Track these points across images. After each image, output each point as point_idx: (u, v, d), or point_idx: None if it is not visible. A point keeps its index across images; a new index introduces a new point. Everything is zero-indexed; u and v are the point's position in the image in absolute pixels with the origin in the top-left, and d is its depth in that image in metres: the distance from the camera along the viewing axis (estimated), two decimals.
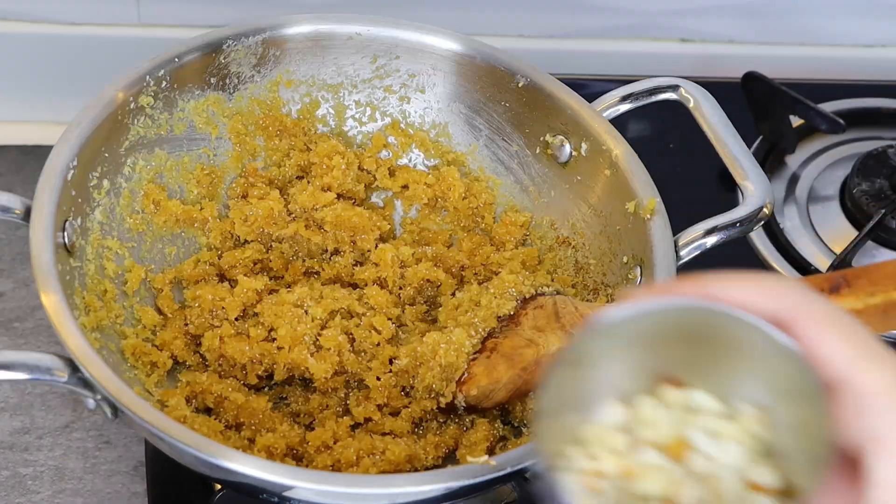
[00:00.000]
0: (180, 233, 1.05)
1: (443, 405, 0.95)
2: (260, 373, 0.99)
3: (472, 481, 0.83)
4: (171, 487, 1.01)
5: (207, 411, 0.97)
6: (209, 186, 1.07)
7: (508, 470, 0.83)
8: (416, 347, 0.97)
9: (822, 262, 1.18)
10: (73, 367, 0.86)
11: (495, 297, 0.96)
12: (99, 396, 0.87)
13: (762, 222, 0.99)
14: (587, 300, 1.02)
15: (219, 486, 0.98)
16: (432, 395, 0.95)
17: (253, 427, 0.95)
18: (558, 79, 1.06)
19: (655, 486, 0.62)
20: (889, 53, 1.34)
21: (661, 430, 0.63)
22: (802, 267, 1.18)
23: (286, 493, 0.84)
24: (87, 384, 0.86)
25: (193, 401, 0.96)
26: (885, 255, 1.17)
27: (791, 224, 1.21)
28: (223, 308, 1.00)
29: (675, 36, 1.32)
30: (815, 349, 0.61)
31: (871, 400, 0.60)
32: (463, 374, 0.94)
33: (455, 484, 0.83)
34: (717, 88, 1.06)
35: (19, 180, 1.19)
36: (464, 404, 0.95)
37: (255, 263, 1.04)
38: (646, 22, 1.30)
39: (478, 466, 0.83)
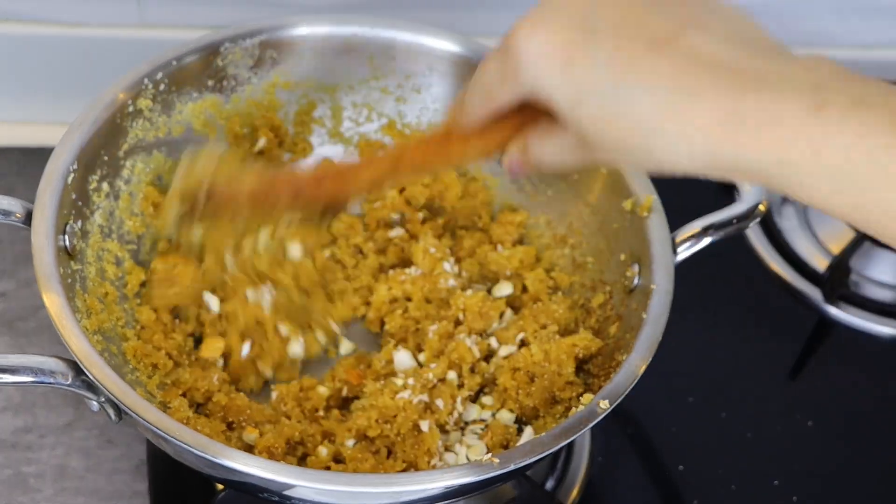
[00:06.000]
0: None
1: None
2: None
3: (473, 479, 0.83)
4: (173, 486, 1.02)
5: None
6: None
7: (511, 468, 0.83)
8: None
9: (820, 262, 1.18)
10: (77, 369, 0.87)
11: None
12: (102, 399, 0.88)
13: (758, 219, 1.00)
14: (585, 298, 1.03)
15: (220, 486, 0.99)
16: None
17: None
18: None
19: None
20: (889, 54, 1.34)
21: None
22: (800, 267, 1.19)
23: (287, 492, 0.84)
24: (90, 387, 0.87)
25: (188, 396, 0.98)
26: (883, 255, 1.18)
27: (789, 224, 1.22)
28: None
29: None
30: None
31: None
32: None
33: (456, 482, 0.83)
34: None
35: (21, 182, 1.20)
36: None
37: None
38: None
39: (479, 465, 0.83)
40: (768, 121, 0.67)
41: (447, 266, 1.05)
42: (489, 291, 1.06)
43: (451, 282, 1.05)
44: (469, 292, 1.04)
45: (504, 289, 1.05)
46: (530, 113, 0.78)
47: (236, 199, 0.93)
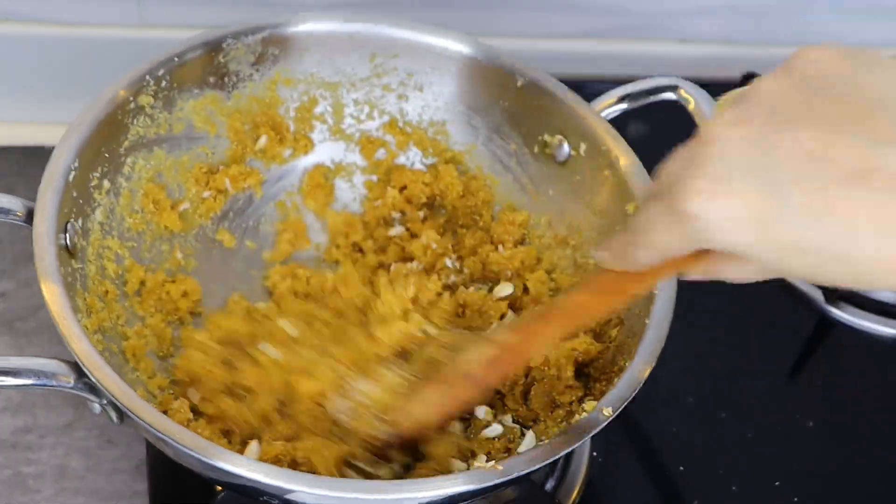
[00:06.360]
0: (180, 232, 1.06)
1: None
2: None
3: (475, 487, 0.83)
4: (173, 487, 1.02)
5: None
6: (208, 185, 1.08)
7: (514, 475, 0.83)
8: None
9: None
10: (79, 371, 0.86)
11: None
12: (104, 401, 0.87)
13: None
14: None
15: (220, 487, 0.99)
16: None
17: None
18: (557, 79, 1.06)
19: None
20: (889, 54, 1.34)
21: None
22: None
23: (287, 497, 0.84)
24: (92, 389, 0.87)
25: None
26: None
27: None
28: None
29: (674, 37, 1.32)
30: None
31: None
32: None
33: (458, 490, 0.83)
34: (715, 89, 1.06)
35: (21, 181, 1.19)
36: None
37: None
38: (644, 23, 1.30)
39: (482, 472, 0.83)
40: None
41: (448, 262, 1.05)
42: (490, 291, 1.06)
43: (453, 277, 1.05)
44: (472, 289, 1.04)
45: (505, 289, 1.05)
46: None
47: (426, 428, 0.93)
